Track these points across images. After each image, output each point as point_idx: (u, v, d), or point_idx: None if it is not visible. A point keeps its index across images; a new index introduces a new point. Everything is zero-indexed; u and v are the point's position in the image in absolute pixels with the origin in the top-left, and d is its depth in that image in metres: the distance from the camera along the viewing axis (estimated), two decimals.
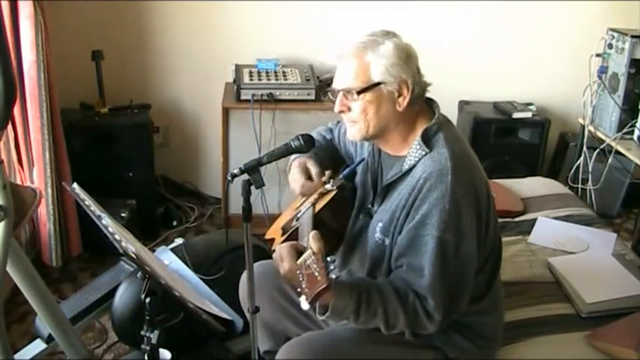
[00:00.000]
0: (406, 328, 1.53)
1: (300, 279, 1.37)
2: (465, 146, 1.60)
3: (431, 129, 1.56)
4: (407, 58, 1.54)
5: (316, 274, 1.32)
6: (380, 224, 1.61)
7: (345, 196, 1.75)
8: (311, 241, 1.46)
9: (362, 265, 1.67)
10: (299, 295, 1.35)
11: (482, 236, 1.56)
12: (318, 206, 1.74)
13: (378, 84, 1.52)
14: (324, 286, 1.29)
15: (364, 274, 1.66)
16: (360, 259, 1.68)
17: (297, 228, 1.76)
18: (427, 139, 1.55)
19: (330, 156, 1.93)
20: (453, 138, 1.56)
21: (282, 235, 1.84)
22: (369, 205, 1.70)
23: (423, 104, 1.63)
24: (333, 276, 1.35)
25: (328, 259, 1.36)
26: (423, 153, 1.54)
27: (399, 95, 1.54)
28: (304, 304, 1.33)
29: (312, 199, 1.80)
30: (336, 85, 1.58)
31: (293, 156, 1.86)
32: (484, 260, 1.63)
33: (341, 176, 1.81)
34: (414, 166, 1.55)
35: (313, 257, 1.37)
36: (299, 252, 1.50)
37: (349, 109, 1.57)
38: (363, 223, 1.71)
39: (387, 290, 1.51)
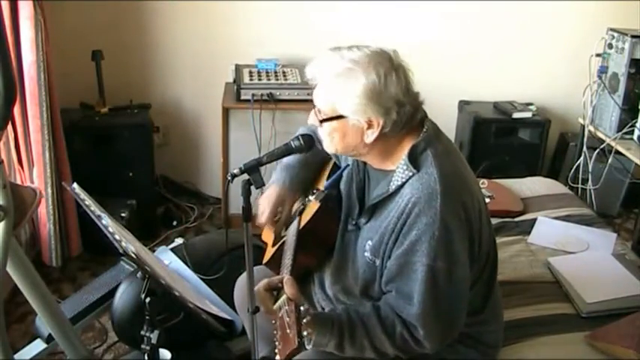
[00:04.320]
0: (398, 354, 1.51)
1: (275, 332, 1.37)
2: (455, 160, 1.54)
3: (418, 146, 1.49)
4: (377, 97, 1.43)
5: (288, 331, 1.31)
6: (369, 243, 1.56)
7: (330, 208, 1.69)
8: (285, 286, 1.44)
9: (355, 280, 1.63)
10: (275, 347, 1.34)
11: (475, 253, 1.52)
12: (304, 219, 1.72)
13: (343, 116, 1.47)
14: (294, 347, 1.28)
15: (358, 291, 1.63)
16: (353, 274, 1.64)
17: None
18: (414, 158, 1.48)
19: (313, 169, 1.88)
20: (442, 152, 1.49)
21: (273, 245, 1.82)
22: (356, 217, 1.64)
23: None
24: (307, 320, 1.34)
25: (302, 308, 1.35)
26: (411, 174, 1.47)
27: (369, 127, 1.46)
28: None
29: (298, 209, 1.78)
30: (314, 97, 1.53)
31: (274, 176, 1.83)
32: (480, 272, 1.59)
33: (324, 188, 1.76)
34: (401, 186, 1.49)
35: (287, 307, 1.35)
36: (276, 289, 1.50)
37: (321, 125, 1.53)
38: (351, 235, 1.65)
39: (371, 322, 1.47)
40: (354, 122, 1.46)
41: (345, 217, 1.68)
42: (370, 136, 1.47)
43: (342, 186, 1.73)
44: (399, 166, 1.50)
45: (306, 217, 1.72)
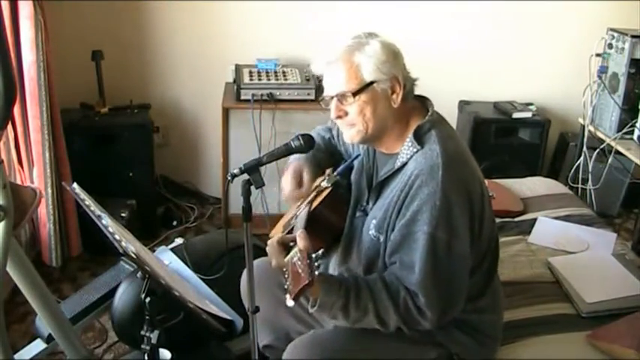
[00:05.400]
0: (400, 324, 1.54)
1: (286, 276, 1.40)
2: (458, 143, 1.60)
3: (424, 126, 1.57)
4: (394, 55, 1.55)
5: (300, 271, 1.34)
6: (374, 221, 1.61)
7: (340, 193, 1.76)
8: (298, 239, 1.47)
9: (360, 262, 1.68)
10: (285, 292, 1.37)
11: (476, 234, 1.56)
12: (315, 203, 1.75)
13: (371, 83, 1.53)
14: (306, 282, 1.31)
15: (361, 271, 1.67)
16: (358, 256, 1.69)
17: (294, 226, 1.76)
18: (419, 137, 1.56)
19: (328, 156, 1.93)
20: (446, 135, 1.57)
21: (282, 233, 1.84)
22: (365, 203, 1.70)
23: (415, 102, 1.63)
24: (318, 272, 1.37)
25: (314, 255, 1.38)
26: (415, 150, 1.54)
27: (392, 92, 1.55)
28: (289, 302, 1.35)
29: (310, 197, 1.81)
30: (328, 92, 1.58)
31: (292, 157, 1.86)
32: (480, 259, 1.63)
33: (336, 173, 1.81)
34: (406, 163, 1.56)
35: (299, 255, 1.39)
36: (288, 246, 1.55)
37: (346, 114, 1.57)
38: (359, 221, 1.71)
39: (377, 287, 1.52)
40: (382, 87, 1.53)
41: (355, 204, 1.74)
42: (396, 99, 1.54)
43: (353, 176, 1.78)
44: (404, 144, 1.57)
45: (318, 200, 1.75)
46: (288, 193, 1.83)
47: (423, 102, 1.65)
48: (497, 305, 1.77)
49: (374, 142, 1.64)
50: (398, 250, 1.54)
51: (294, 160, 1.86)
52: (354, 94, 1.53)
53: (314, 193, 1.81)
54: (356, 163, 1.79)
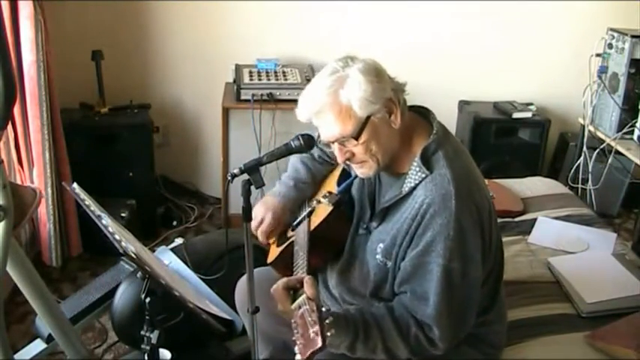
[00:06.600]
0: (410, 355, 1.50)
1: (295, 331, 1.34)
2: (465, 160, 1.55)
3: (429, 147, 1.50)
4: (378, 76, 1.46)
5: (310, 329, 1.28)
6: (381, 245, 1.56)
7: (342, 211, 1.70)
8: (305, 285, 1.41)
9: (362, 282, 1.63)
10: (294, 344, 1.31)
11: (487, 252, 1.53)
12: (315, 220, 1.71)
13: (368, 117, 1.45)
14: (318, 346, 1.24)
15: (367, 293, 1.63)
16: (361, 276, 1.64)
17: (293, 240, 1.74)
18: (427, 159, 1.49)
19: (319, 182, 1.89)
20: (453, 154, 1.51)
21: (279, 245, 1.81)
22: (368, 221, 1.65)
23: (413, 113, 1.57)
24: (327, 321, 1.32)
25: (323, 308, 1.33)
26: (423, 175, 1.48)
27: (390, 114, 1.48)
28: None
29: (309, 207, 1.79)
30: (327, 138, 1.51)
31: (278, 186, 1.84)
32: (488, 272, 1.59)
33: (337, 192, 1.77)
34: (414, 188, 1.50)
35: (307, 306, 1.33)
36: (293, 288, 1.46)
37: (353, 154, 1.50)
38: (361, 239, 1.66)
39: (386, 324, 1.48)
40: (379, 116, 1.46)
41: (357, 221, 1.69)
42: (396, 120, 1.48)
43: (354, 191, 1.73)
44: (411, 168, 1.51)
45: (318, 219, 1.71)
46: (260, 233, 1.79)
47: (424, 114, 1.59)
48: (503, 315, 1.76)
49: (387, 169, 1.57)
50: (409, 281, 1.49)
51: (280, 196, 1.82)
52: (356, 137, 1.46)
53: (314, 203, 1.78)
54: (356, 179, 1.73)
